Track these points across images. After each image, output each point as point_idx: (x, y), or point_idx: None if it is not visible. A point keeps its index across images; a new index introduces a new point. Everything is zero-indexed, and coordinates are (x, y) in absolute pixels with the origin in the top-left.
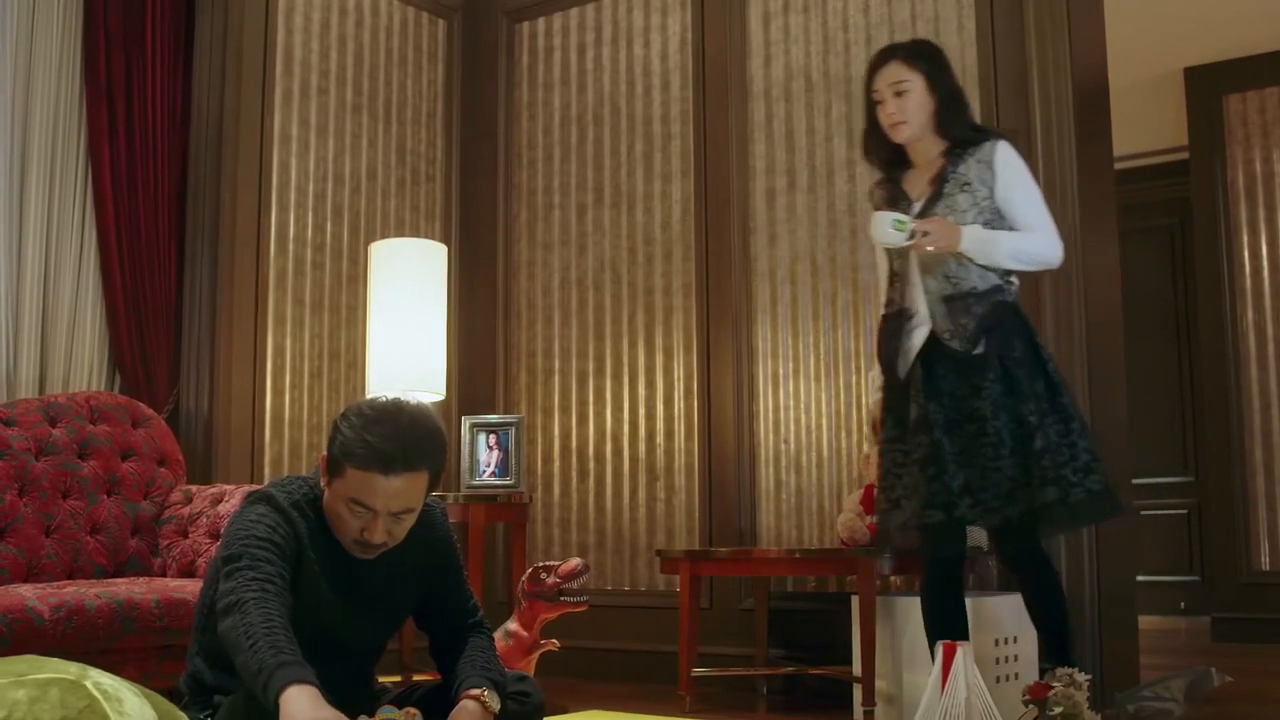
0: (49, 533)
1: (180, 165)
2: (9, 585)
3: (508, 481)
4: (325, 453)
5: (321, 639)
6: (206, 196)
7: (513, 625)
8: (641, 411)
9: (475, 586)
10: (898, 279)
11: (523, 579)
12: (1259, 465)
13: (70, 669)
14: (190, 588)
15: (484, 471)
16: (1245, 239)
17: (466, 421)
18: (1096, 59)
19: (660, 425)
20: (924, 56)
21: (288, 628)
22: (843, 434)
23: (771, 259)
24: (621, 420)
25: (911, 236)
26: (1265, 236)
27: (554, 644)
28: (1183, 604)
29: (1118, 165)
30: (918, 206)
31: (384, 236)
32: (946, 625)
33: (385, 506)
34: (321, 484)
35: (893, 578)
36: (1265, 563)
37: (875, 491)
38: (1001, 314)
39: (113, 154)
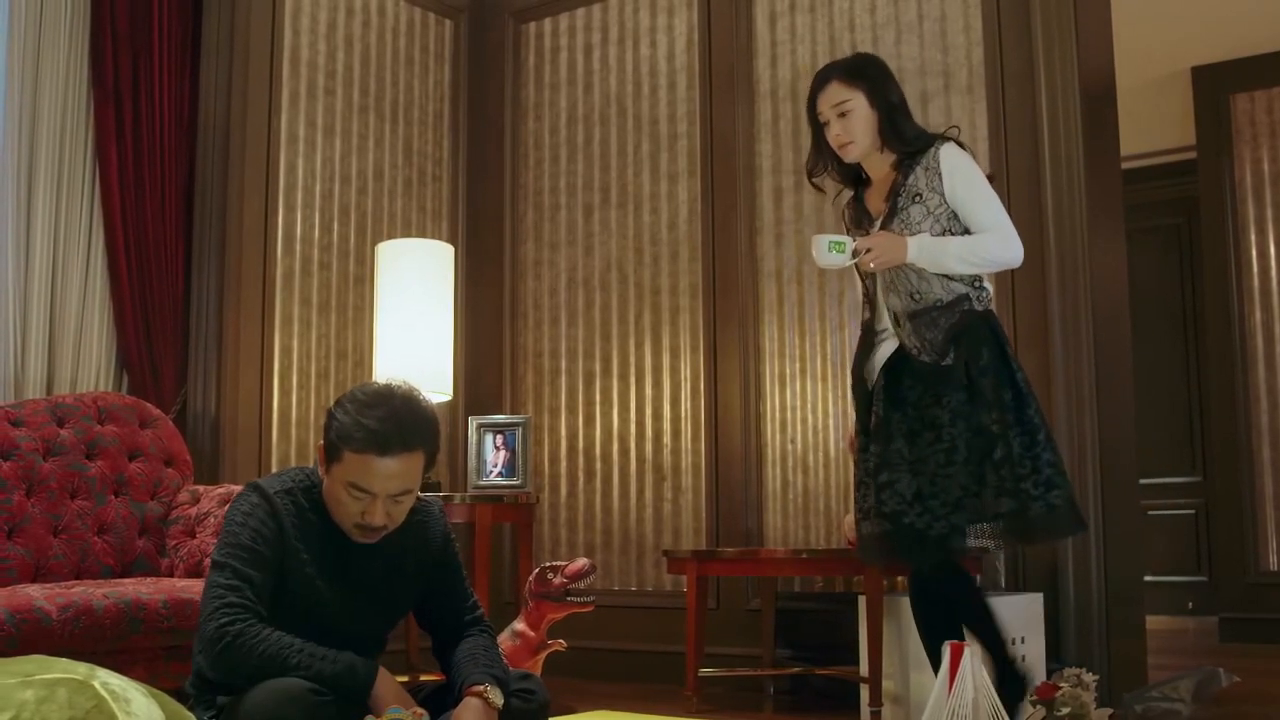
0: (57, 533)
1: (187, 166)
2: (17, 585)
3: (514, 481)
4: (322, 441)
5: (320, 630)
6: (213, 197)
7: (520, 625)
8: (648, 412)
9: (481, 586)
10: (868, 299)
11: (529, 579)
12: (1266, 465)
13: (78, 669)
14: (197, 588)
15: (491, 472)
16: (1253, 238)
17: (473, 422)
18: (1103, 58)
19: (667, 425)
20: (862, 73)
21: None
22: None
23: (778, 259)
24: (628, 420)
25: (854, 255)
26: (1273, 236)
27: (561, 644)
28: (1190, 604)
29: (1124, 165)
30: (877, 225)
31: (390, 237)
32: (933, 633)
33: (383, 489)
34: (320, 472)
35: (899, 578)
36: (1273, 563)
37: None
38: (969, 323)
39: (120, 155)
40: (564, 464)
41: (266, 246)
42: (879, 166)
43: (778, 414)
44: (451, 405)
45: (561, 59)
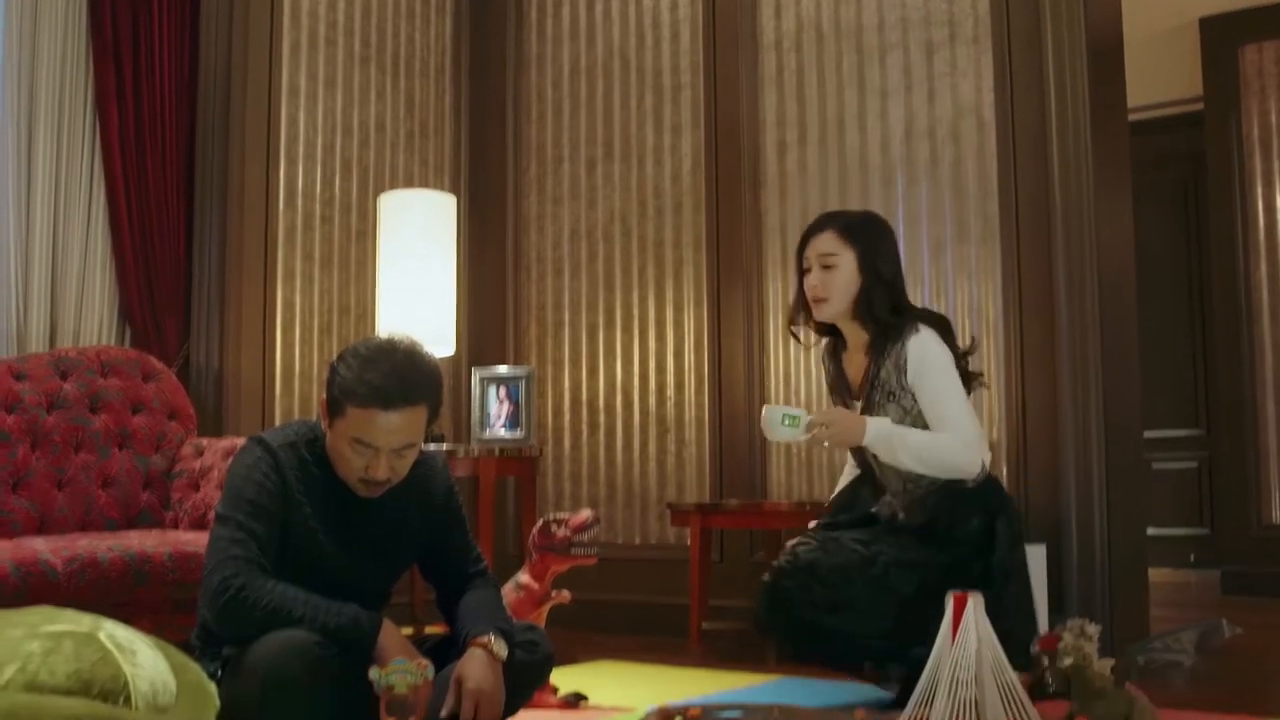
0: (61, 486)
1: (188, 119)
2: (22, 538)
3: (518, 434)
4: (325, 395)
5: (323, 582)
6: (214, 150)
7: (524, 578)
8: (652, 365)
9: (486, 539)
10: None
11: (533, 532)
12: (1270, 419)
13: (84, 621)
14: (202, 541)
15: (494, 424)
16: (1260, 192)
17: (476, 374)
18: (1111, 10)
19: (670, 379)
20: (861, 232)
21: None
22: None
23: (782, 213)
24: (632, 373)
25: (808, 430)
26: None
27: (565, 596)
28: (1193, 557)
29: (1130, 117)
30: (857, 407)
31: (393, 189)
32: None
33: (387, 443)
34: (323, 426)
35: None
36: (1275, 516)
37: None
38: (960, 500)
39: (120, 109)
40: (567, 417)
41: (268, 200)
42: (854, 335)
43: (781, 367)
44: (454, 358)
45: (564, 11)
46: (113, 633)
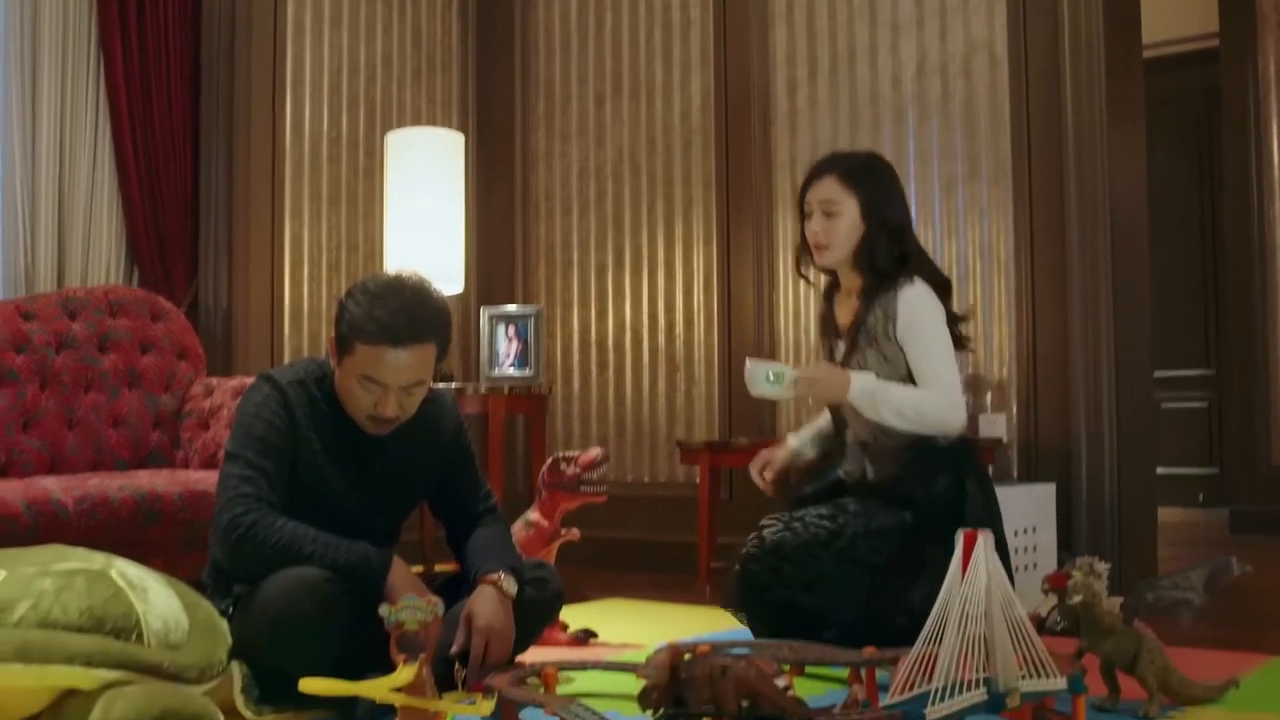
0: (71, 426)
1: (193, 56)
2: (34, 478)
3: (527, 373)
4: (333, 333)
5: (333, 519)
6: (220, 88)
7: (533, 515)
8: (661, 303)
9: (495, 477)
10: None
11: (543, 470)
12: None
13: (96, 559)
14: (213, 480)
15: (503, 363)
16: (1275, 130)
17: (485, 313)
18: None
19: (680, 317)
20: (864, 178)
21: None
22: None
23: (792, 150)
24: (641, 312)
25: (792, 386)
26: None
27: (574, 534)
28: (1201, 496)
29: (1144, 53)
30: (841, 349)
31: (400, 126)
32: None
33: (396, 380)
34: (331, 364)
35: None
36: None
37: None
38: (928, 459)
39: (124, 46)
40: (576, 356)
41: (275, 138)
42: (849, 280)
43: (790, 305)
44: (463, 296)
45: None
46: (124, 570)
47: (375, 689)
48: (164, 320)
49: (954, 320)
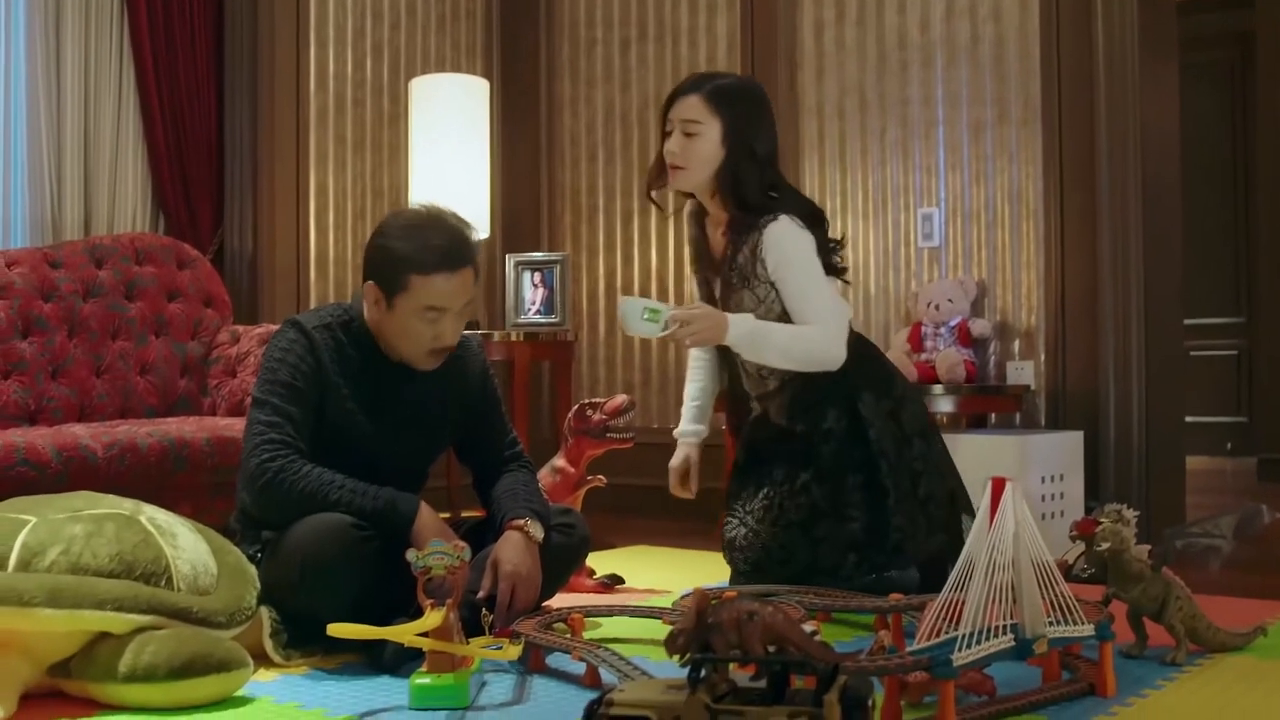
0: (99, 373)
1: (217, 3)
2: (63, 424)
3: (553, 319)
4: (373, 278)
5: (361, 463)
6: (244, 35)
7: (559, 462)
8: (687, 251)
9: (521, 424)
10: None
11: (569, 416)
12: None
13: (125, 505)
14: (240, 427)
15: (529, 309)
16: None
17: (511, 260)
18: None
19: None
20: (731, 101)
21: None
22: (890, 271)
23: (819, 94)
24: (667, 259)
25: (666, 327)
26: None
27: (600, 480)
28: (1229, 445)
29: None
30: (718, 286)
31: (424, 73)
32: None
33: (456, 304)
34: (372, 311)
35: (939, 416)
36: None
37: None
38: (808, 398)
39: None
40: (602, 302)
41: (299, 85)
42: (715, 211)
43: None
44: (489, 243)
45: None
46: (153, 516)
47: (402, 633)
48: (190, 268)
49: (826, 249)
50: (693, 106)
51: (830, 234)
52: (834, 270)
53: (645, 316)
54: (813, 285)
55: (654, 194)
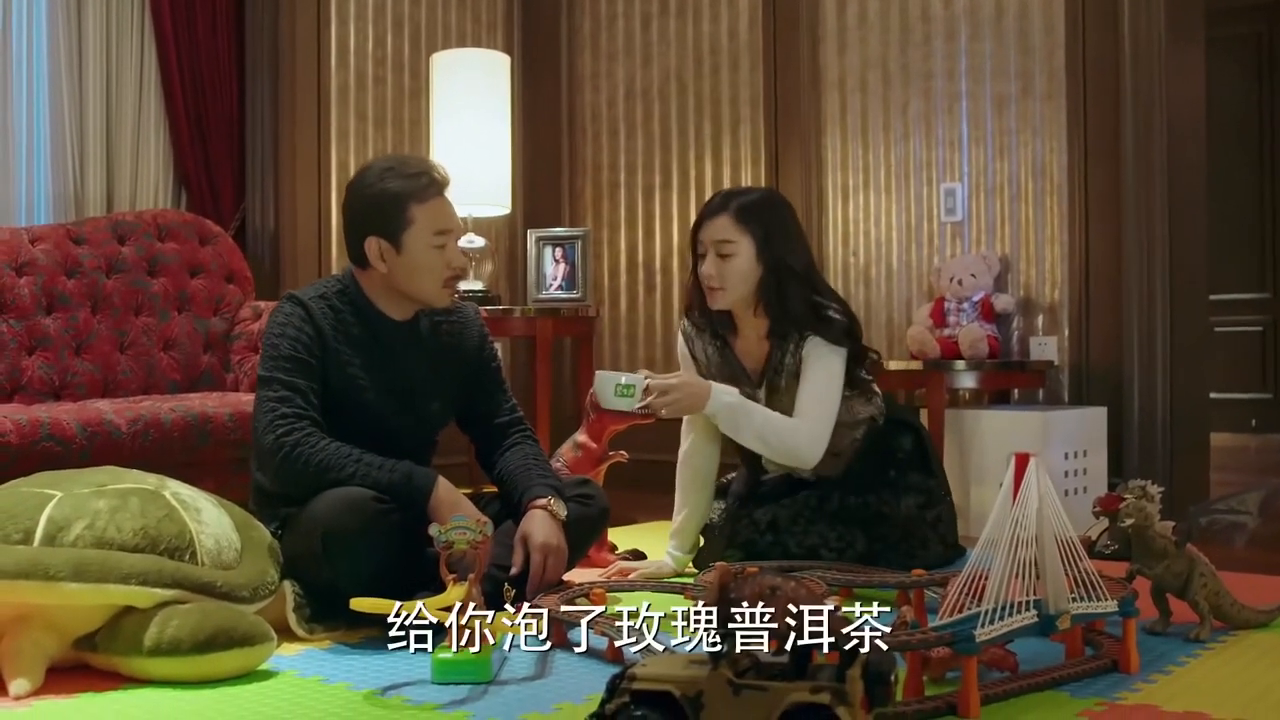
0: (123, 349)
1: None
2: (87, 400)
3: (575, 295)
4: (372, 230)
5: (368, 431)
6: (265, 10)
7: (581, 437)
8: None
9: (543, 400)
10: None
11: (591, 392)
12: None
13: (149, 480)
14: None
15: (551, 285)
16: None
17: (532, 235)
18: None
19: None
20: (760, 216)
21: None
22: (913, 246)
23: (841, 68)
24: (688, 235)
25: (644, 398)
26: None
27: (623, 456)
28: (1253, 422)
29: None
30: (760, 395)
31: (445, 48)
32: None
33: (457, 225)
34: (377, 266)
35: (963, 392)
36: None
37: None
38: (893, 479)
39: None
40: (624, 278)
41: (320, 60)
42: (751, 324)
43: (839, 227)
44: (510, 219)
45: None
46: (177, 491)
47: (425, 608)
48: (212, 244)
49: (857, 360)
50: (723, 228)
51: (865, 344)
52: (857, 383)
53: (617, 392)
54: (824, 389)
55: (689, 319)
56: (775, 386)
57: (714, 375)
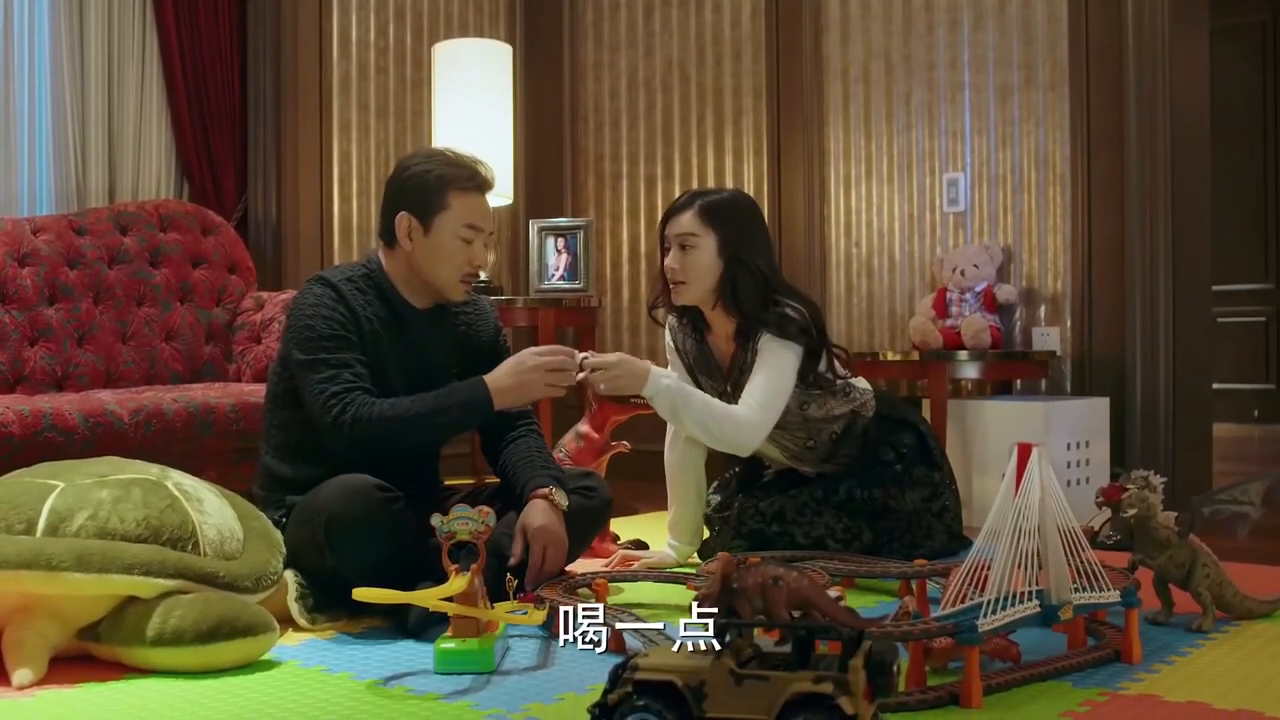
0: (125, 340)
1: None
2: (89, 390)
3: (577, 285)
4: (406, 207)
5: None
6: (266, 0)
7: (584, 428)
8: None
9: None
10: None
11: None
12: None
13: (151, 470)
14: (264, 392)
15: (553, 275)
16: None
17: (534, 225)
18: None
19: None
20: (724, 215)
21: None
22: (915, 237)
23: (844, 58)
24: None
25: (581, 369)
26: None
27: (625, 446)
28: (1256, 412)
29: None
30: (729, 391)
31: (447, 38)
32: None
33: (490, 223)
34: (403, 244)
35: (965, 382)
36: None
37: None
38: (900, 475)
39: None
40: (626, 268)
41: (322, 50)
42: (719, 322)
43: (842, 217)
44: (512, 209)
45: None
46: (179, 481)
47: (427, 598)
48: (214, 234)
49: (815, 354)
50: (687, 222)
51: (826, 336)
52: (818, 380)
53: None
54: (769, 380)
55: (654, 313)
56: (739, 385)
57: (694, 369)
